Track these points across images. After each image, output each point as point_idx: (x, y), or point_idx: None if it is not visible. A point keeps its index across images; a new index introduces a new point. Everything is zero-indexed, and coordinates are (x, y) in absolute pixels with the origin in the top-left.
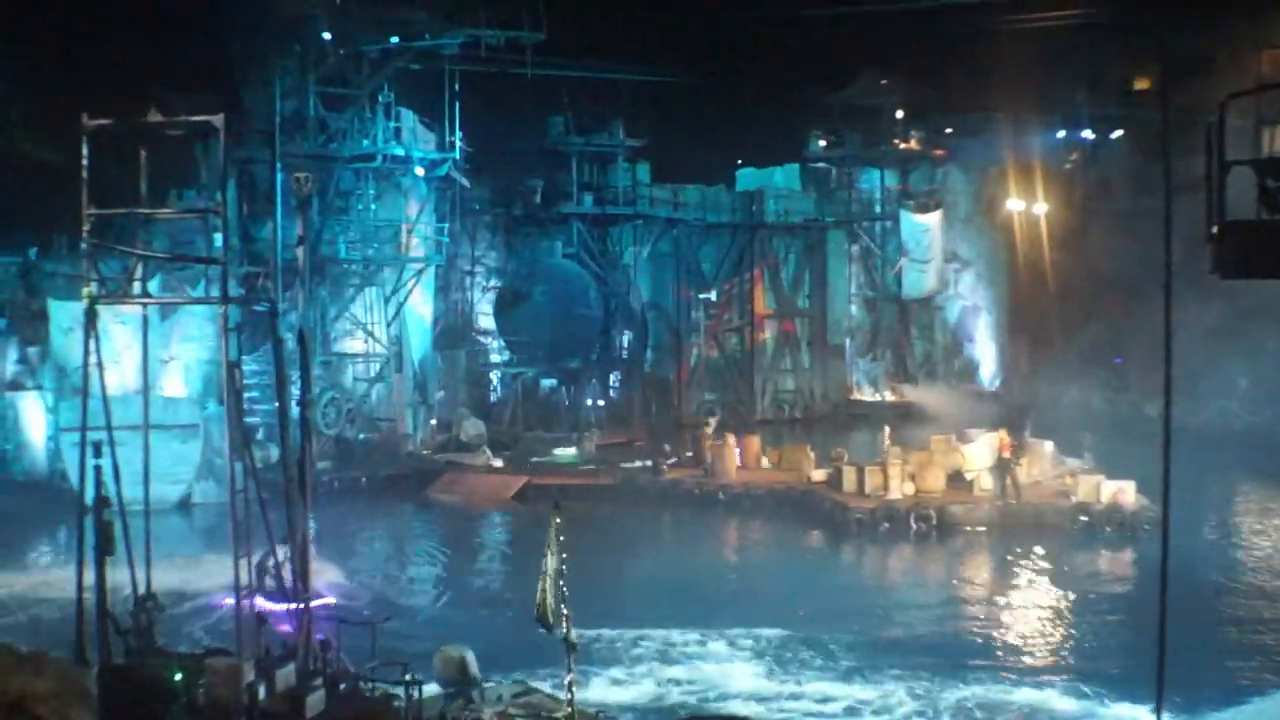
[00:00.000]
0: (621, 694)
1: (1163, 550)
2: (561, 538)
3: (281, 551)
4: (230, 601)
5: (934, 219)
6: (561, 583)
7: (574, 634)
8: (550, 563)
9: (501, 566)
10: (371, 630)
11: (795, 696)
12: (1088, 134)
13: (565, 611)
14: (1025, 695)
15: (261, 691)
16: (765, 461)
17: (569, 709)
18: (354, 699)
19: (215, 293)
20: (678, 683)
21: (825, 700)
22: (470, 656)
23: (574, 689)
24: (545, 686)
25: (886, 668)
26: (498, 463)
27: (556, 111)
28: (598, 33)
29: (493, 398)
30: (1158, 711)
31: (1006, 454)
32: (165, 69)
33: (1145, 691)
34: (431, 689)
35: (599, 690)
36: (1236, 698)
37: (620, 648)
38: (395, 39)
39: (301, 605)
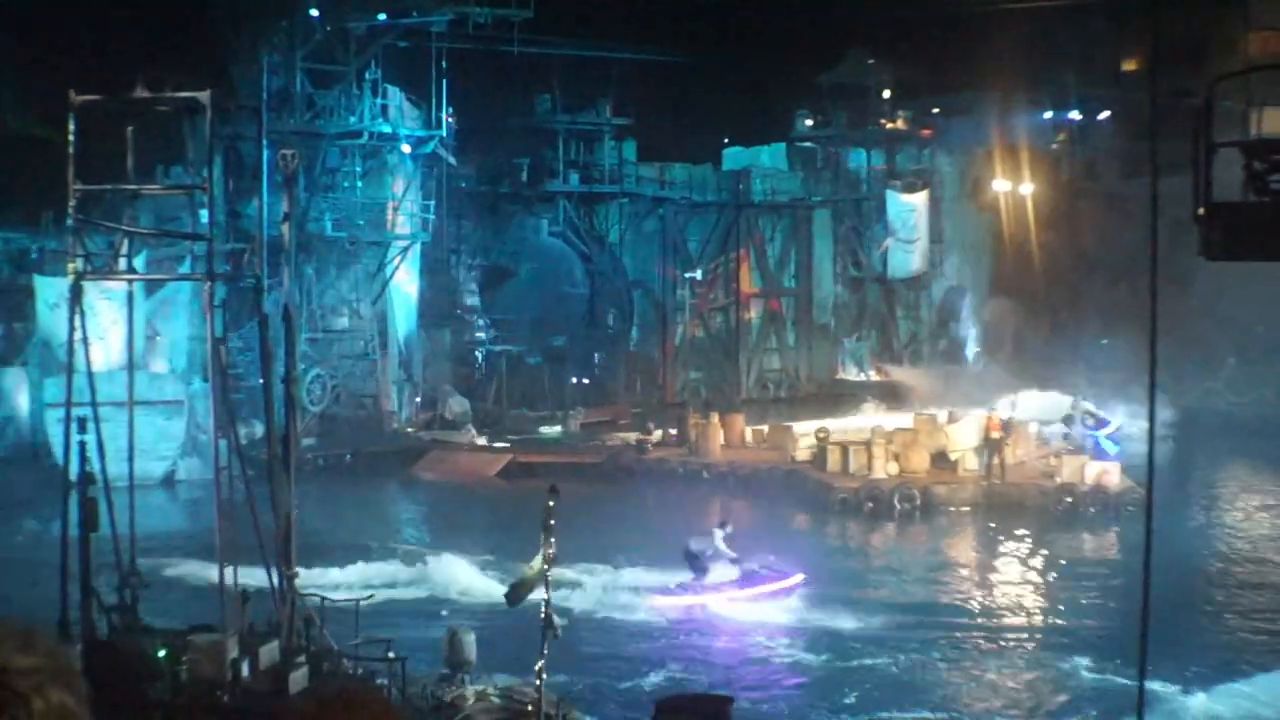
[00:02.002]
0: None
1: (1146, 536)
2: (553, 522)
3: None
4: None
5: (920, 199)
6: (547, 568)
7: (556, 620)
8: (545, 550)
9: (486, 542)
10: (355, 607)
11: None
12: (1075, 115)
13: (547, 596)
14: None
15: (245, 668)
16: (749, 440)
17: (537, 694)
18: (337, 676)
19: (201, 269)
20: None
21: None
22: (469, 639)
23: (543, 675)
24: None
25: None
26: (482, 440)
27: (543, 90)
28: (585, 11)
29: (477, 375)
30: (1139, 704)
31: (997, 434)
32: (153, 45)
33: (1122, 660)
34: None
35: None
36: (1217, 679)
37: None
38: (383, 16)
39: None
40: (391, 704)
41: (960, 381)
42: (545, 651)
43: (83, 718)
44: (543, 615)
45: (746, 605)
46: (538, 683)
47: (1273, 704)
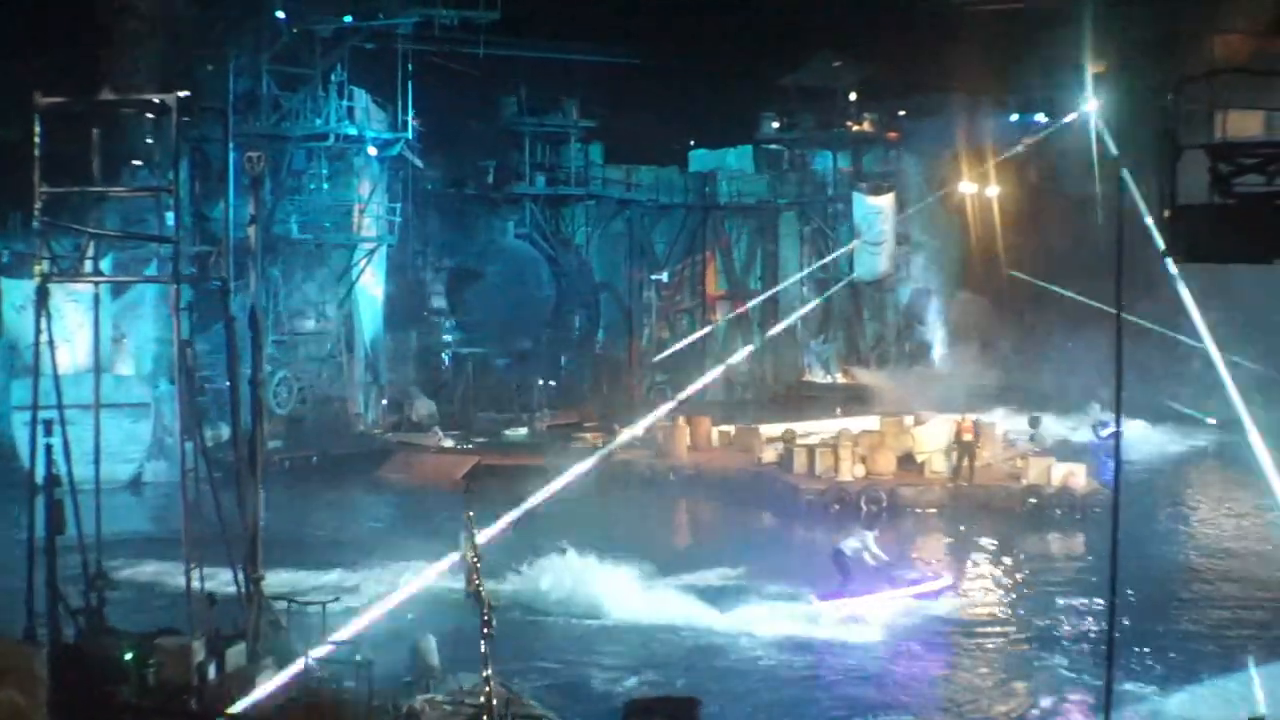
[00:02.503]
0: None
1: (1112, 537)
2: (471, 514)
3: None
4: None
5: (886, 201)
6: (478, 564)
7: (491, 618)
8: (464, 543)
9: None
10: (321, 611)
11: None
12: (1042, 117)
13: (485, 595)
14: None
15: (212, 671)
16: (716, 441)
17: (484, 698)
18: (303, 680)
19: (167, 272)
20: None
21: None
22: (430, 644)
23: (490, 680)
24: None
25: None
26: (449, 443)
27: (510, 92)
28: (552, 13)
29: (444, 377)
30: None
31: (969, 436)
32: (120, 47)
33: (1096, 658)
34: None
35: None
36: (1186, 678)
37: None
38: (349, 18)
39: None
40: (350, 705)
41: (927, 383)
42: (486, 650)
43: (34, 718)
44: (482, 615)
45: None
46: (486, 684)
47: (1234, 704)
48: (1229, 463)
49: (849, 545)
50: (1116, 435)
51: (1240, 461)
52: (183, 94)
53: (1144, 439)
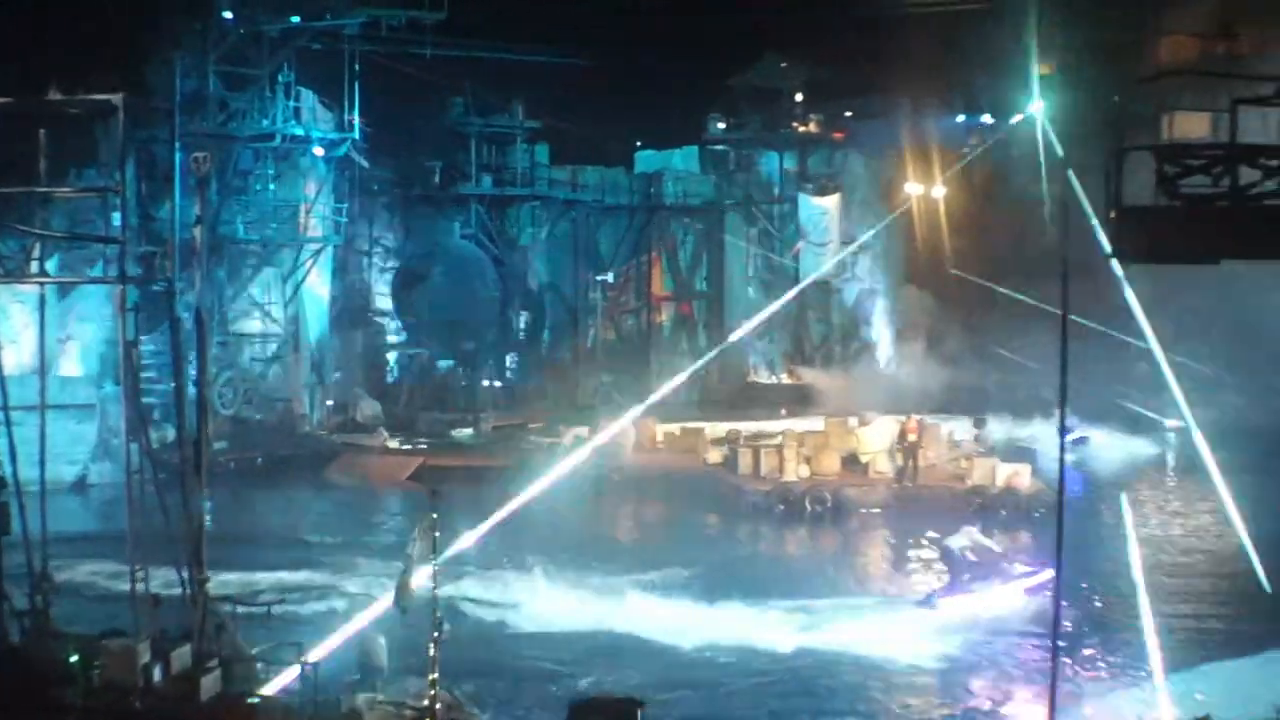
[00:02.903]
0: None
1: (1058, 539)
2: (435, 522)
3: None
4: None
5: (832, 202)
6: (434, 569)
7: (445, 626)
8: (415, 549)
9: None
10: (266, 612)
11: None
12: (988, 118)
13: (436, 598)
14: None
15: (157, 673)
16: (661, 442)
17: (428, 701)
18: (249, 681)
19: (113, 272)
20: None
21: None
22: (379, 645)
23: (437, 684)
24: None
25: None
26: (394, 443)
27: (456, 92)
28: (498, 13)
29: (390, 378)
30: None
31: (913, 436)
32: (66, 46)
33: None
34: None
35: None
36: (1134, 676)
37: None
38: (296, 18)
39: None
40: (296, 707)
41: (872, 384)
42: (435, 654)
43: None
44: (434, 617)
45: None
46: (430, 688)
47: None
48: (1186, 467)
49: (956, 542)
50: (1063, 440)
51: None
52: (130, 94)
53: (1108, 445)
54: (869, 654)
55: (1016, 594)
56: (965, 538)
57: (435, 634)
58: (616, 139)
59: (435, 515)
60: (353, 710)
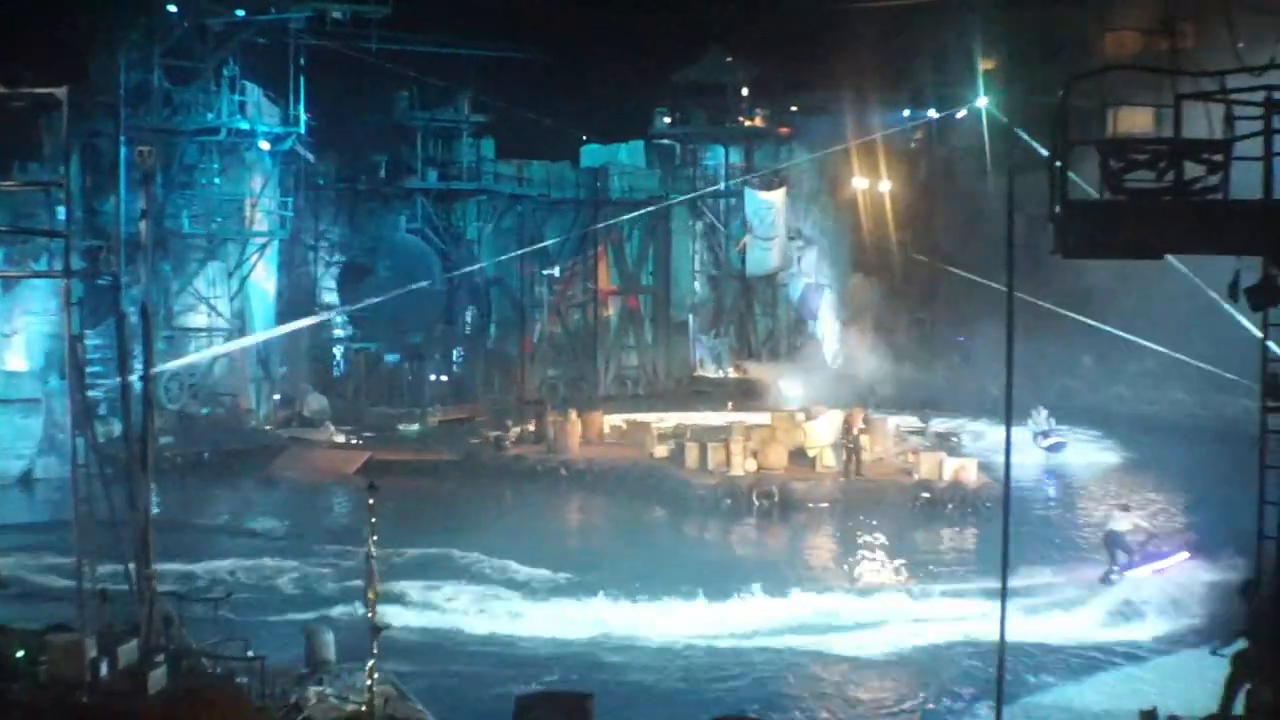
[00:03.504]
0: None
1: (1004, 529)
2: (374, 520)
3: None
4: None
5: (778, 196)
6: (371, 564)
7: (380, 618)
8: (370, 547)
9: (339, 543)
10: (214, 606)
11: None
12: (933, 113)
13: (371, 595)
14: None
15: (104, 668)
16: (608, 435)
17: (368, 695)
18: (196, 675)
19: (58, 266)
20: None
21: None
22: (327, 638)
23: (374, 675)
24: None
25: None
26: (340, 438)
27: (402, 87)
28: (444, 8)
29: (336, 373)
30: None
31: (856, 429)
32: (9, 39)
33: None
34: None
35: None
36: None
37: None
38: (241, 12)
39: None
40: (243, 700)
41: (818, 378)
42: (375, 650)
43: None
44: (369, 614)
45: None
46: (369, 680)
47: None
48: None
49: (1120, 525)
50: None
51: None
52: (73, 88)
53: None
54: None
55: (1173, 571)
56: (1126, 521)
57: (374, 629)
58: (562, 133)
59: (373, 520)
60: (296, 704)
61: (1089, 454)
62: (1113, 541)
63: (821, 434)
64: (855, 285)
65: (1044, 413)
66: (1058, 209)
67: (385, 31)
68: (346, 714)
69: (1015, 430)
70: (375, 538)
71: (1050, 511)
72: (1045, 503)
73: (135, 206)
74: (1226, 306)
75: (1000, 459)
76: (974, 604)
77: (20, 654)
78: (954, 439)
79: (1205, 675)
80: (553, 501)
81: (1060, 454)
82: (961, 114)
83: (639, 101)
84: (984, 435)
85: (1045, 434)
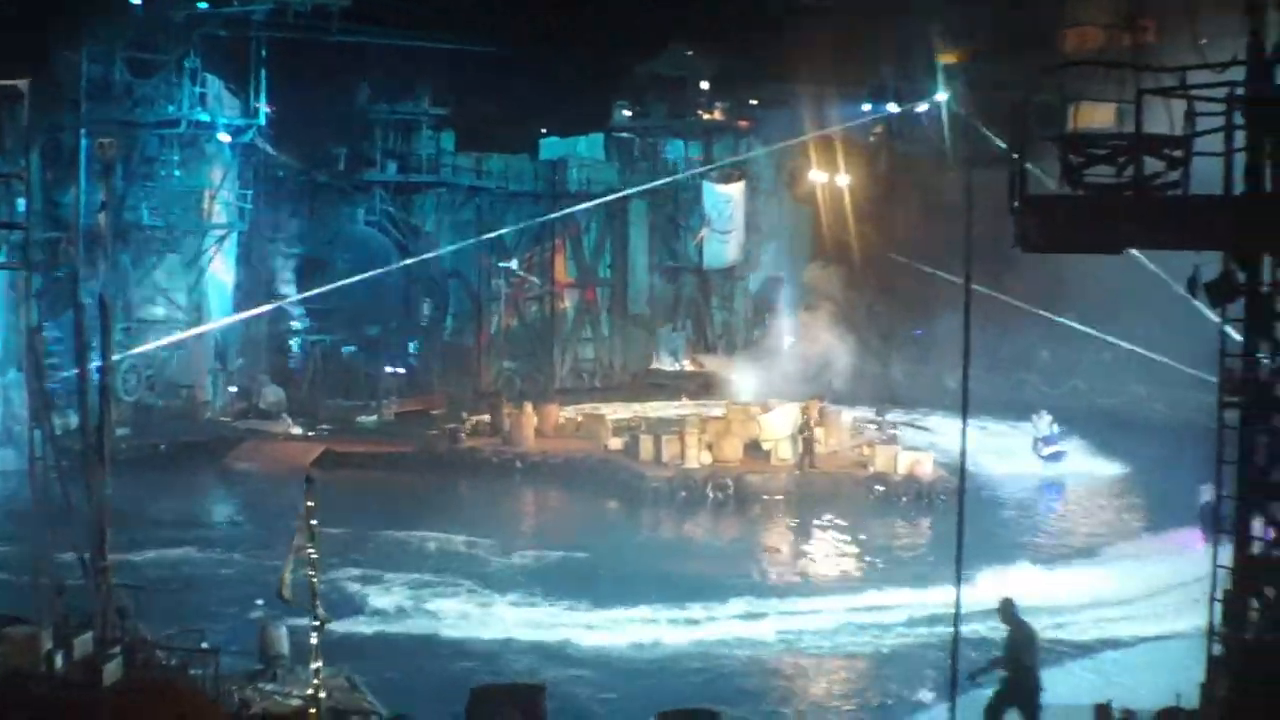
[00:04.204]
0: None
1: (959, 522)
2: (313, 507)
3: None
4: None
5: (736, 190)
6: (314, 556)
7: (322, 611)
8: (297, 539)
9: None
10: (170, 598)
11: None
12: (893, 107)
13: (315, 586)
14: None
15: (59, 660)
16: (564, 426)
17: (313, 691)
18: (152, 667)
19: (17, 258)
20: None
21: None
22: (280, 633)
23: (320, 668)
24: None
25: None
26: (297, 430)
27: (362, 79)
28: (404, 0)
29: (293, 365)
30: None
31: (811, 421)
32: None
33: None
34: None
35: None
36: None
37: None
38: (203, 4)
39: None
40: (198, 693)
41: (775, 371)
42: (316, 642)
43: None
44: (314, 607)
45: None
46: (315, 674)
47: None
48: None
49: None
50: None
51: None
52: (35, 80)
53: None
54: None
55: None
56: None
57: (317, 623)
58: (521, 126)
59: (311, 504)
60: (243, 699)
61: (1081, 462)
62: (1207, 515)
63: (777, 427)
64: (813, 275)
65: (1047, 418)
66: (1017, 203)
67: (346, 24)
68: (293, 709)
69: (1016, 436)
70: (316, 529)
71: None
72: (1018, 505)
73: (95, 198)
74: (1198, 303)
75: (988, 457)
76: (922, 595)
77: None
78: (925, 430)
79: (1163, 669)
80: (507, 494)
81: (1060, 464)
82: (922, 109)
83: (598, 94)
84: (940, 431)
85: (1047, 441)
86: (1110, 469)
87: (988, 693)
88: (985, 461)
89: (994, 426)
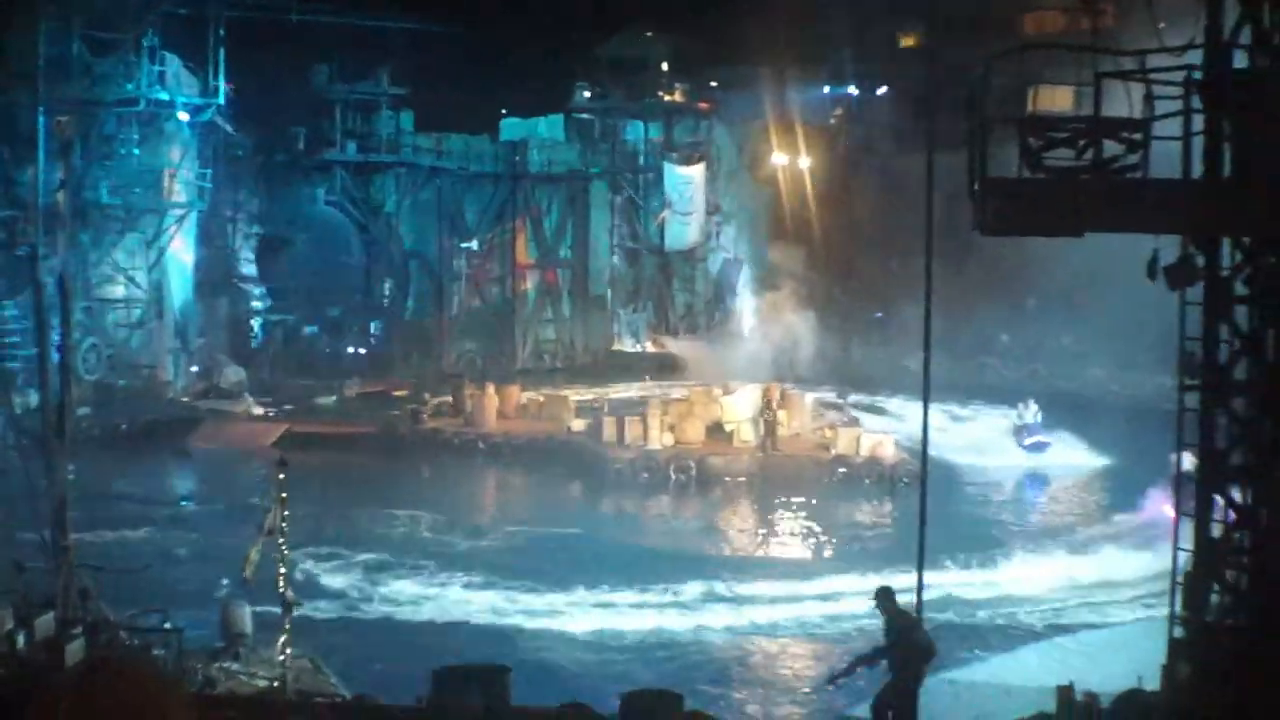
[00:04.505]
0: None
1: (920, 507)
2: (284, 495)
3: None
4: None
5: (697, 171)
6: (282, 540)
7: (289, 593)
8: (268, 520)
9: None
10: (132, 578)
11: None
12: (853, 89)
13: (283, 570)
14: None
15: (21, 640)
16: (526, 407)
17: (281, 668)
18: (114, 648)
19: None
20: None
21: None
22: (243, 613)
23: (289, 649)
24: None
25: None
26: (258, 410)
27: (321, 58)
28: None
29: (254, 345)
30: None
31: (771, 403)
32: None
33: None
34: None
35: None
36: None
37: None
38: None
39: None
40: (157, 672)
41: (736, 353)
42: (287, 625)
43: None
44: (281, 589)
45: None
46: (281, 655)
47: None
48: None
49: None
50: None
51: None
52: None
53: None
54: None
55: None
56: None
57: (284, 604)
58: (481, 107)
59: (283, 493)
60: (208, 679)
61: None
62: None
63: (739, 408)
64: (775, 256)
65: (1033, 407)
66: (977, 186)
67: (305, 3)
68: (259, 689)
69: (997, 422)
70: (285, 513)
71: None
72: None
73: (53, 177)
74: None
75: (956, 443)
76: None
77: None
78: (884, 415)
79: (1129, 650)
80: (469, 475)
81: (1042, 454)
82: (881, 90)
83: (559, 75)
84: (903, 415)
85: (1030, 430)
86: (1082, 454)
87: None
88: (953, 448)
89: (958, 411)
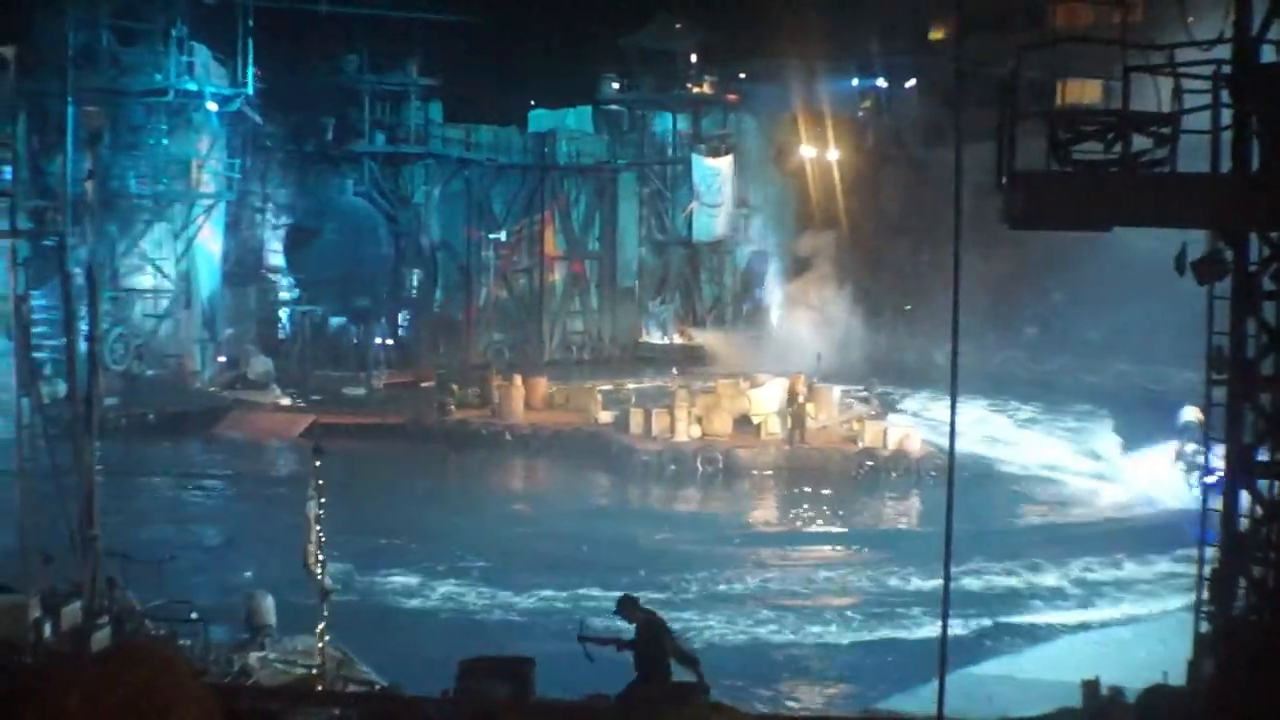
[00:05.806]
0: None
1: (948, 504)
2: (320, 482)
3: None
4: None
5: (725, 163)
6: (319, 529)
7: (327, 581)
8: (311, 508)
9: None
10: (158, 569)
11: None
12: (881, 82)
13: (320, 557)
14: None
15: (47, 629)
16: (554, 399)
17: (320, 657)
18: (140, 637)
19: (4, 226)
20: None
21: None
22: (267, 603)
23: (326, 638)
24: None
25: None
26: (285, 400)
27: (350, 49)
28: None
29: (281, 335)
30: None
31: (799, 395)
32: None
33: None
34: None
35: None
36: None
37: None
38: None
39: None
40: (176, 657)
41: (764, 345)
42: (326, 613)
43: None
44: (319, 577)
45: None
46: (319, 644)
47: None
48: None
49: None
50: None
51: None
52: (21, 47)
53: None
54: None
55: None
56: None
57: (322, 592)
58: (510, 98)
59: (319, 483)
60: (244, 668)
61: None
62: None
63: (766, 401)
64: (807, 245)
65: (1194, 417)
66: (1005, 179)
67: None
68: (298, 677)
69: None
70: (322, 500)
71: None
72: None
73: (81, 167)
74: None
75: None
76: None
77: None
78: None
79: (1153, 646)
80: (497, 466)
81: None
82: (910, 83)
83: (587, 67)
84: (932, 412)
85: (1192, 458)
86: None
87: None
88: (983, 443)
89: (1018, 410)
